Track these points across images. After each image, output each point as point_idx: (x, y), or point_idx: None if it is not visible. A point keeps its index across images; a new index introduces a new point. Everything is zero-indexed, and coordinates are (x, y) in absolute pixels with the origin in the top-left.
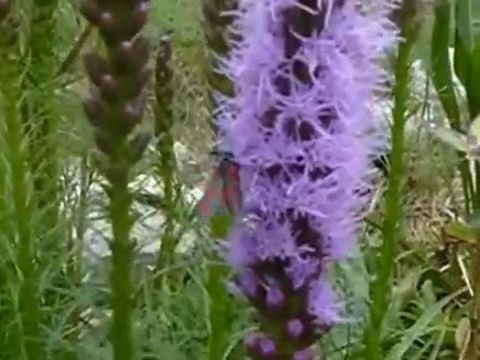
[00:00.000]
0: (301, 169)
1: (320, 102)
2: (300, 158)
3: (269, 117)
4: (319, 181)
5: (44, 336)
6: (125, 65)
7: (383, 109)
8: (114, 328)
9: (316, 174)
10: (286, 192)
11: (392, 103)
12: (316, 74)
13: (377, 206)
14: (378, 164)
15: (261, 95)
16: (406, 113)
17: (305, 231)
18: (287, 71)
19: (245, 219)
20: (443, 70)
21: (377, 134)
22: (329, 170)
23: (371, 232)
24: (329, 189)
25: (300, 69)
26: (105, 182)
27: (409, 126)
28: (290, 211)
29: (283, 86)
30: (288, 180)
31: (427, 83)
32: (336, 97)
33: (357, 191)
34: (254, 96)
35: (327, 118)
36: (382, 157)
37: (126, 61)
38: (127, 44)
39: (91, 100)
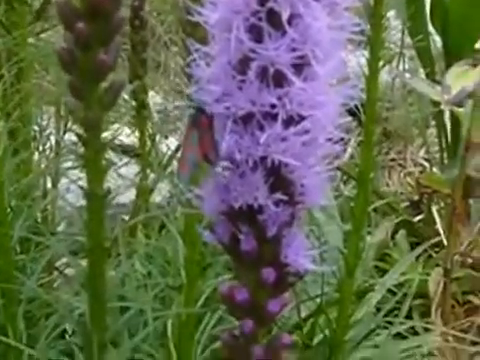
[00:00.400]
0: (274, 117)
1: (293, 50)
2: (273, 106)
3: (243, 65)
4: (292, 129)
5: (19, 284)
6: (98, 12)
7: (358, 59)
8: (89, 277)
9: (289, 122)
10: (259, 140)
11: (367, 53)
12: (289, 22)
13: (352, 156)
14: (353, 114)
15: (234, 43)
16: (381, 63)
17: (278, 179)
18: (260, 19)
19: (219, 167)
20: (419, 19)
21: (351, 83)
22: (302, 118)
23: (346, 182)
24: (302, 137)
25: (273, 17)
26: (79, 131)
27: (384, 76)
28: (263, 159)
29: (256, 34)
30: (261, 128)
31: (402, 33)
32: (309, 45)
33: (330, 139)
34: (228, 44)
35: (300, 66)
36: (356, 107)
37: (99, 8)
38: None
39: (65, 48)
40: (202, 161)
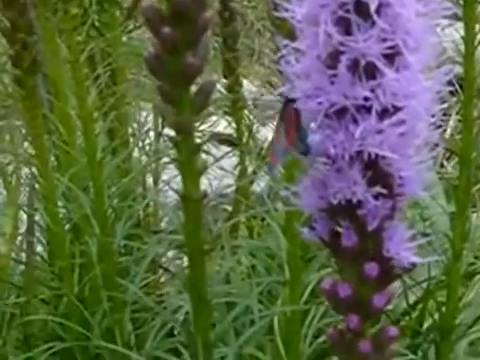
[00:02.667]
0: (368, 110)
1: (383, 40)
2: (367, 98)
3: (333, 59)
4: (387, 121)
5: (123, 290)
6: (183, 15)
7: (453, 35)
8: (190, 279)
9: (384, 114)
10: (354, 134)
11: (461, 28)
12: (378, 12)
13: (453, 135)
14: (452, 91)
15: (323, 37)
16: (477, 39)
17: (376, 172)
18: (348, 11)
19: (315, 163)
20: None
21: (446, 68)
22: (397, 109)
23: (448, 159)
24: (398, 128)
25: (361, 8)
26: (172, 134)
27: None
28: (359, 153)
29: (345, 26)
30: (355, 122)
31: None
32: (399, 34)
33: (428, 126)
34: (316, 38)
35: (391, 56)
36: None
37: (184, 11)
38: None
39: (152, 53)
40: (292, 153)
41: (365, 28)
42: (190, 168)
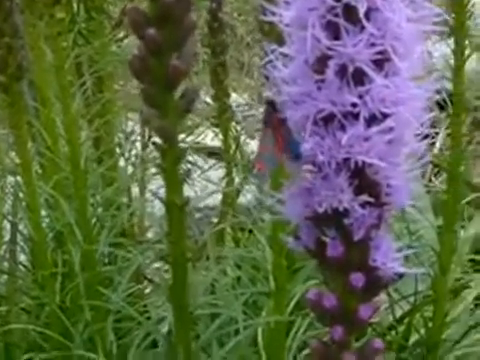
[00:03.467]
0: (356, 116)
1: (372, 45)
2: (354, 105)
3: (321, 64)
4: (375, 128)
5: (106, 299)
6: (168, 17)
7: (443, 49)
8: (172, 287)
9: (372, 121)
10: (341, 141)
11: (451, 42)
12: (367, 17)
13: (441, 149)
14: (441, 106)
15: (311, 41)
16: (467, 52)
17: (363, 180)
18: (337, 15)
19: (301, 171)
20: None
21: (435, 75)
22: (385, 116)
23: (437, 174)
24: (386, 135)
25: (350, 12)
26: (157, 140)
27: (472, 64)
28: (346, 160)
29: (333, 31)
30: (343, 128)
31: None
32: (389, 39)
33: (417, 136)
34: (304, 43)
35: (381, 62)
36: (444, 100)
37: (169, 13)
38: None
39: (136, 55)
40: (281, 160)
41: (354, 33)
42: (174, 175)
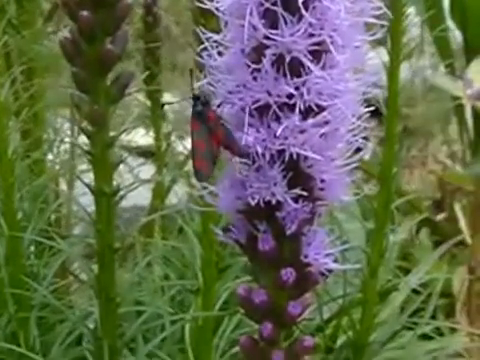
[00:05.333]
0: (292, 108)
1: (310, 36)
2: (290, 96)
3: (257, 53)
4: (311, 120)
5: (32, 290)
6: (102, 0)
7: (379, 56)
8: (98, 280)
9: (307, 113)
10: (276, 132)
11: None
12: (305, 6)
13: (373, 155)
14: (373, 112)
15: (248, 30)
16: (401, 57)
17: (297, 173)
18: (275, 3)
19: (234, 162)
20: (438, 15)
21: (371, 70)
22: (321, 108)
23: (367, 181)
24: (321, 128)
25: (289, 1)
26: (86, 127)
27: (404, 72)
28: (281, 152)
29: (271, 20)
30: (278, 119)
31: (422, 29)
32: (327, 30)
33: (351, 131)
34: (241, 31)
35: (318, 53)
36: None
37: None
38: None
39: (69, 38)
40: (221, 154)
41: (292, 22)
42: (103, 162)
